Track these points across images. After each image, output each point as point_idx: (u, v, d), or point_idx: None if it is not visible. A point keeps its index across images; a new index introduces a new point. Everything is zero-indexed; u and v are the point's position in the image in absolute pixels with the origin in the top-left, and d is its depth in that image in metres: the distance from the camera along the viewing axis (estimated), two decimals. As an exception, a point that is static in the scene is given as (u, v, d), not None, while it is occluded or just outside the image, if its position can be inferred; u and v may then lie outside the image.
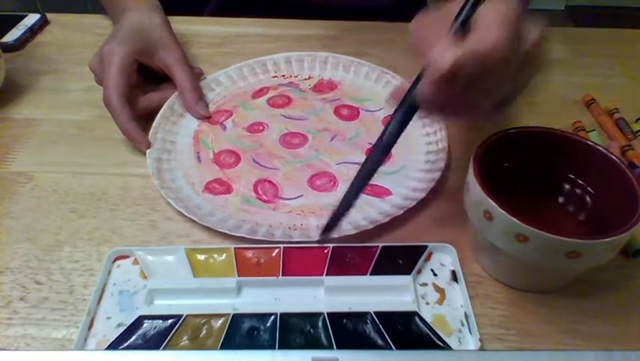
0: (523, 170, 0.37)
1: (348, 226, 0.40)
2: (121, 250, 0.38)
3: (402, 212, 0.40)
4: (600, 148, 0.35)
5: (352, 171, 0.45)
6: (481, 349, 0.32)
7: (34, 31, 0.64)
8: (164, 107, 0.51)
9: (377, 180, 0.44)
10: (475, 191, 0.33)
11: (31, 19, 0.65)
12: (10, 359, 0.28)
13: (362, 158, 0.46)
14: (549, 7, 2.35)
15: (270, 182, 0.45)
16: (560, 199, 0.38)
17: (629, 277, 0.37)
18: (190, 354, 0.29)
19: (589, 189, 0.37)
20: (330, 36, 0.64)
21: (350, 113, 0.52)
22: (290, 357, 0.28)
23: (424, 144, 0.48)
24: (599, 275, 0.36)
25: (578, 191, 0.37)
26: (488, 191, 0.32)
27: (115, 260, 0.38)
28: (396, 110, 0.34)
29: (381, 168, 0.44)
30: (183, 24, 0.64)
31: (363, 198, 0.43)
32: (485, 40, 0.30)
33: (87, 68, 0.58)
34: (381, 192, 0.43)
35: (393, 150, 0.46)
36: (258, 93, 0.55)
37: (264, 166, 0.46)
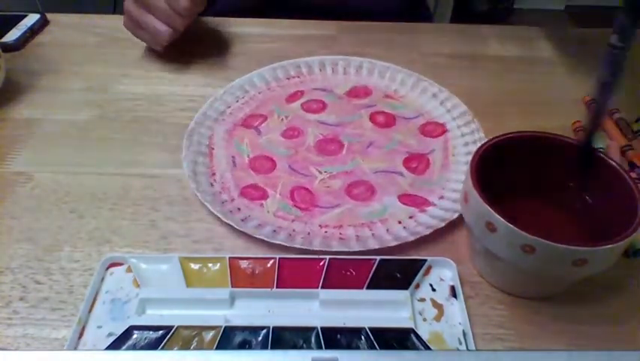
0: (521, 175, 0.37)
1: (389, 237, 0.39)
2: (114, 256, 0.38)
3: (444, 224, 0.39)
4: (597, 153, 0.35)
5: (390, 181, 0.44)
6: (482, 349, 0.32)
7: (34, 31, 0.64)
8: (198, 113, 0.50)
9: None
10: (475, 202, 0.32)
11: (31, 19, 0.64)
12: (10, 359, 0.28)
13: (399, 167, 0.46)
14: (549, 7, 2.35)
15: (306, 189, 0.44)
16: (559, 203, 0.37)
17: (630, 277, 0.37)
18: (190, 354, 0.29)
19: (587, 193, 0.37)
20: (330, 36, 0.64)
21: (386, 121, 0.51)
22: (290, 357, 0.28)
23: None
24: (600, 275, 0.36)
25: (577, 195, 0.37)
26: (490, 202, 0.31)
27: (108, 267, 0.37)
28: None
29: (421, 177, 0.45)
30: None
31: (406, 210, 0.42)
32: None
33: (87, 68, 0.59)
34: (422, 203, 0.43)
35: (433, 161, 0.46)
36: (292, 97, 0.54)
37: (300, 173, 0.46)
